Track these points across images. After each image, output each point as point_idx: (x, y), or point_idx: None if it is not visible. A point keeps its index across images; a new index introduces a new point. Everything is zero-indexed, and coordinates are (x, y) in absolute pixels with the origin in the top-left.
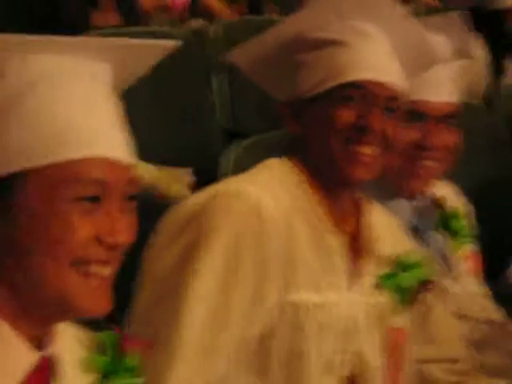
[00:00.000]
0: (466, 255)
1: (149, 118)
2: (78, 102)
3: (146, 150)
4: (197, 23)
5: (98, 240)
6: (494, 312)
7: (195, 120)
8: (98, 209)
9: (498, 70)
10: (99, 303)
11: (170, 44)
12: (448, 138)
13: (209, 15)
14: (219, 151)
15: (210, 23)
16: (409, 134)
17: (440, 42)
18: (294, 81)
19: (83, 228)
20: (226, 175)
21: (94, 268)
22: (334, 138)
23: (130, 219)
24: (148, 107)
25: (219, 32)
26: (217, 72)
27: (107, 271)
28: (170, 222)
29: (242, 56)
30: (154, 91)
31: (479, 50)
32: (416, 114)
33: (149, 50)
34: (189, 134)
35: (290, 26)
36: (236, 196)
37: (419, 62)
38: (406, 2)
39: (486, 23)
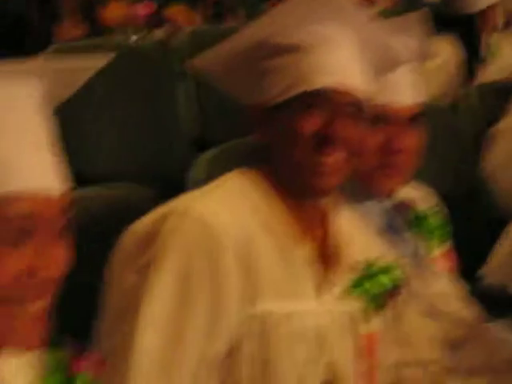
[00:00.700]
0: (439, 255)
1: (114, 129)
2: (6, 133)
3: (112, 163)
4: (161, 33)
5: (30, 274)
6: (469, 311)
7: (162, 130)
8: (28, 243)
9: (469, 71)
10: (29, 341)
11: (102, 61)
12: (413, 140)
13: (173, 24)
14: (188, 161)
15: (175, 32)
16: (375, 138)
17: (403, 43)
18: (258, 88)
19: (11, 263)
20: (194, 185)
21: (18, 308)
22: (298, 147)
23: (63, 251)
24: (112, 119)
25: (184, 41)
26: (183, 81)
27: (38, 305)
28: (124, 243)
29: (206, 63)
30: (119, 102)
31: (450, 51)
32: (381, 117)
33: (79, 71)
34: (155, 145)
35: (252, 32)
36: (185, 215)
37: (383, 65)
38: (371, 3)
39: (458, 25)
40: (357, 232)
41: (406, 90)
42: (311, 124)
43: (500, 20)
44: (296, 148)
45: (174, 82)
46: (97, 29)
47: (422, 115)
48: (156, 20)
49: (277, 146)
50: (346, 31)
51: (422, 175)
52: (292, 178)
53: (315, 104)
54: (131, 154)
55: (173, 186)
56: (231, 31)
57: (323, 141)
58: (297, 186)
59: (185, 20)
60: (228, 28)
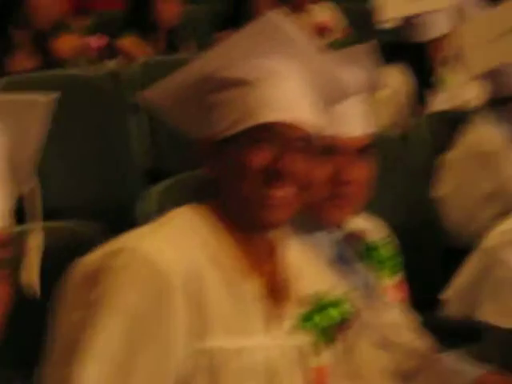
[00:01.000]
0: (390, 285)
1: (64, 162)
2: None
3: (63, 196)
4: (113, 64)
5: None
6: (421, 342)
7: (114, 162)
8: None
9: (421, 101)
10: None
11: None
12: (363, 171)
13: (125, 56)
14: (139, 193)
15: (127, 64)
16: (324, 170)
17: (352, 74)
18: (206, 121)
19: None
20: (145, 218)
21: None
22: (246, 181)
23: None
24: (63, 151)
25: (136, 72)
26: (135, 112)
27: None
28: (72, 278)
29: (155, 96)
30: (70, 135)
31: (400, 81)
32: (330, 148)
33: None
34: (107, 177)
35: (200, 66)
36: (134, 253)
37: (332, 97)
38: (321, 34)
39: (408, 54)
40: (306, 265)
41: (355, 121)
42: (260, 158)
43: (451, 49)
44: (245, 182)
45: (126, 114)
46: (49, 61)
47: (371, 146)
48: (108, 52)
49: (225, 180)
50: (293, 64)
51: (373, 206)
52: (241, 211)
53: (263, 138)
54: (83, 187)
55: (124, 218)
56: (183, 62)
57: (272, 175)
58: (245, 220)
59: (137, 51)
60: (180, 59)
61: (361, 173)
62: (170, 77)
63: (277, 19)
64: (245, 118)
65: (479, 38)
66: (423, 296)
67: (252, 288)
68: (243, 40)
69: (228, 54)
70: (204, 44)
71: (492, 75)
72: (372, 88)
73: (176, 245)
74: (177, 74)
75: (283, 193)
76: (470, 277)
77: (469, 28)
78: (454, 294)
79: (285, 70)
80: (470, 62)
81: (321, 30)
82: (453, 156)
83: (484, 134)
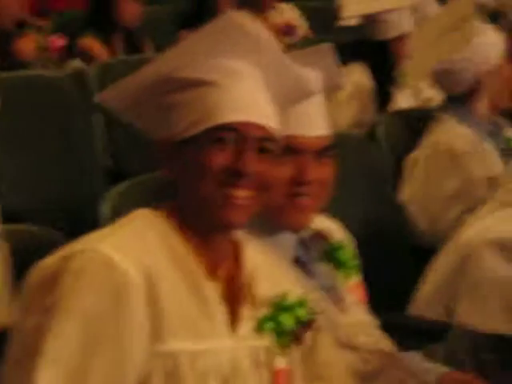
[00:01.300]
0: (352, 285)
1: (27, 163)
2: None
3: (21, 197)
4: (74, 64)
5: None
6: (383, 342)
7: (76, 162)
8: None
9: (384, 98)
10: None
11: None
12: (324, 171)
13: (87, 56)
14: (101, 192)
15: (89, 64)
16: (285, 170)
17: (312, 74)
18: (165, 122)
19: None
20: (105, 218)
21: None
22: (207, 182)
23: None
24: (25, 152)
25: (96, 73)
26: (96, 112)
27: None
28: (30, 282)
29: (114, 96)
30: (32, 135)
31: (362, 79)
32: (290, 149)
33: None
34: (69, 177)
35: (159, 66)
36: (92, 255)
37: (292, 97)
38: (284, 34)
39: (371, 53)
40: (267, 266)
41: (315, 121)
42: (220, 158)
43: (409, 46)
44: (205, 182)
45: (88, 114)
46: (11, 62)
47: (332, 146)
48: (69, 52)
49: (185, 181)
50: (253, 64)
51: (337, 207)
52: (201, 212)
53: (223, 138)
54: (44, 187)
55: (85, 220)
56: (143, 62)
57: (233, 175)
58: (205, 221)
59: (98, 52)
60: (140, 59)
61: (322, 173)
62: (129, 77)
63: (237, 18)
64: (204, 119)
65: (424, 40)
66: (391, 296)
67: (213, 290)
68: (202, 40)
69: (187, 54)
70: (167, 44)
71: (441, 74)
72: (332, 88)
73: (136, 246)
74: (136, 75)
75: (243, 193)
76: (444, 276)
77: (417, 31)
78: (427, 294)
79: (244, 70)
80: (415, 65)
81: (284, 30)
82: (419, 155)
83: (450, 133)
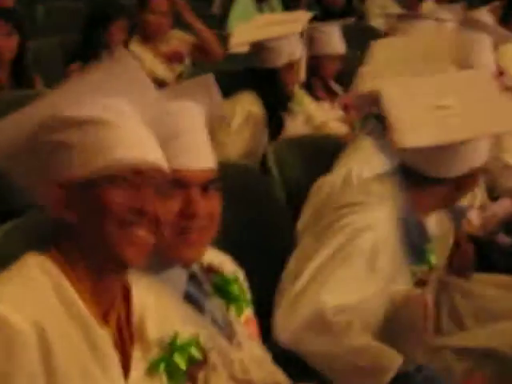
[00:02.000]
0: (245, 320)
1: None
2: None
3: None
4: None
5: None
6: (280, 375)
7: None
8: None
9: (276, 126)
10: None
11: None
12: (211, 204)
13: None
14: None
15: None
16: (173, 204)
17: (191, 107)
18: (53, 164)
19: None
20: None
21: None
22: (107, 222)
23: None
24: None
25: None
26: None
27: None
28: None
29: None
30: None
31: (252, 108)
32: (177, 182)
33: None
34: None
35: (44, 105)
36: None
37: (166, 133)
38: (174, 61)
39: (261, 81)
40: (159, 304)
41: (199, 154)
42: (121, 198)
43: (301, 72)
44: (105, 222)
45: None
46: None
47: (219, 178)
48: None
49: (83, 223)
50: (135, 104)
51: (229, 236)
52: (97, 254)
53: (121, 178)
54: None
55: None
56: (32, 97)
57: (134, 214)
58: (103, 261)
59: None
60: (28, 94)
61: (209, 206)
62: (8, 117)
63: (121, 58)
64: (99, 158)
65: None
66: None
67: (105, 337)
68: (90, 80)
69: (75, 94)
70: (56, 78)
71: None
72: (216, 119)
73: (28, 298)
74: (16, 114)
75: (144, 232)
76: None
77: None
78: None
79: (129, 110)
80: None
81: (173, 57)
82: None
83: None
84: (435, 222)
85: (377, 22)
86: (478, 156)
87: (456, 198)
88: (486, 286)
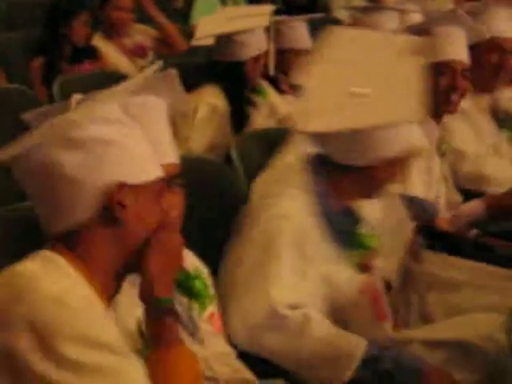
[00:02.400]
0: (209, 316)
1: None
2: None
3: None
4: None
5: None
6: (245, 371)
7: None
8: None
9: (240, 119)
10: None
11: None
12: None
13: None
14: None
15: None
16: None
17: (154, 101)
18: None
19: None
20: None
21: None
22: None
23: None
24: None
25: None
26: None
27: None
28: None
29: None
30: None
31: (216, 102)
32: None
33: None
34: None
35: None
36: None
37: None
38: (139, 55)
39: (225, 74)
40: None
41: (161, 149)
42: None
43: (270, 66)
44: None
45: None
46: None
47: (181, 174)
48: None
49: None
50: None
51: (193, 231)
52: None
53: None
54: None
55: None
56: None
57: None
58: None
59: None
60: None
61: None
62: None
63: None
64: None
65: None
66: None
67: None
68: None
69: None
70: (17, 72)
71: None
72: (179, 113)
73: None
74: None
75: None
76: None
77: None
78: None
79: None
80: None
81: (136, 52)
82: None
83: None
84: (382, 208)
85: (341, 15)
86: (389, 146)
87: (377, 187)
88: (449, 268)
